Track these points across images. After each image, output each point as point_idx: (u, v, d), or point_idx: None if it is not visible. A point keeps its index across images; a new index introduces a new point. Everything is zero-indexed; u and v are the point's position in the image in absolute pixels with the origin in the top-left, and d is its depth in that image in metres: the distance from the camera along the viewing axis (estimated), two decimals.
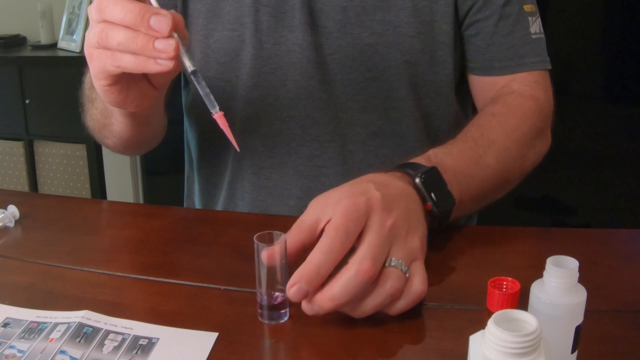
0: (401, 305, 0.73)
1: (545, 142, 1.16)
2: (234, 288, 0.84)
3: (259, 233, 0.73)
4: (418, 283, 0.74)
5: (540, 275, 0.62)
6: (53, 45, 3.42)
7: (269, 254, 0.73)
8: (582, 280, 0.61)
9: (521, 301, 0.72)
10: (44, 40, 3.45)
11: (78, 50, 3.20)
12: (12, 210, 1.05)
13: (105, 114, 1.06)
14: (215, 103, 0.79)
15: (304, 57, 1.14)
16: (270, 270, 0.74)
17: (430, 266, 0.80)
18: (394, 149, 1.18)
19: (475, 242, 0.96)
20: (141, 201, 3.21)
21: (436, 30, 1.14)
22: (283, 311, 0.76)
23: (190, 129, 1.33)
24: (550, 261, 0.61)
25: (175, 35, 0.75)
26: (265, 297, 0.75)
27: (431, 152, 0.95)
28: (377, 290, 0.71)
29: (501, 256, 0.91)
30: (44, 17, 3.41)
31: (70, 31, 3.32)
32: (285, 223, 0.79)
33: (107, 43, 0.76)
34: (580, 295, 0.61)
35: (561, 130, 2.57)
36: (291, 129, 1.17)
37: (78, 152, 3.26)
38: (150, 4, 0.78)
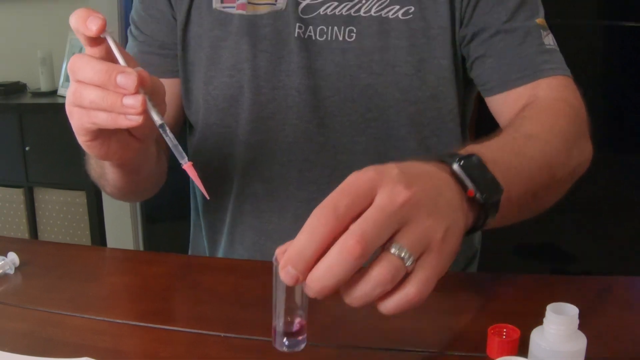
0: (389, 305, 0.62)
1: (587, 145, 1.08)
2: (234, 335, 0.83)
3: (279, 250, 0.66)
4: (414, 284, 0.62)
5: (540, 323, 0.62)
6: (53, 92, 3.44)
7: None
8: (582, 327, 0.61)
9: (521, 348, 0.72)
10: (44, 87, 3.47)
11: None
12: (12, 257, 1.05)
13: (99, 163, 1.08)
14: (184, 154, 0.82)
15: (302, 101, 1.15)
16: (289, 291, 0.68)
17: (429, 312, 0.80)
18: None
19: (475, 288, 0.96)
20: (141, 248, 3.21)
21: (435, 67, 1.15)
22: (300, 338, 0.71)
23: (191, 187, 1.33)
24: (550, 308, 0.61)
25: (142, 91, 0.77)
26: (281, 323, 0.69)
27: (467, 147, 0.83)
28: (365, 275, 0.61)
29: (501, 303, 0.91)
30: (44, 63, 3.43)
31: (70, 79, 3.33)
32: None
33: (81, 102, 0.79)
34: (580, 343, 0.61)
35: None
36: (290, 172, 1.18)
37: (78, 199, 3.26)
38: (118, 62, 0.81)
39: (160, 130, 0.81)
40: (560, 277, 1.04)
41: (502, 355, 0.74)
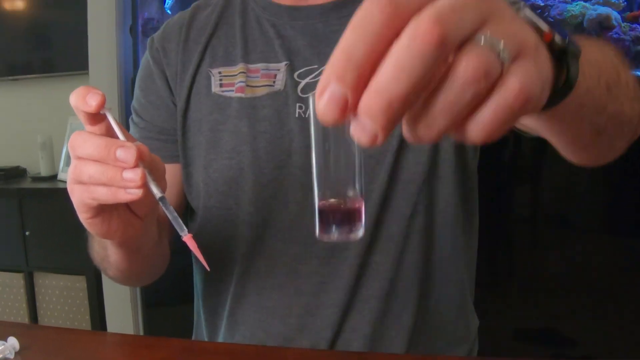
0: (486, 114, 0.46)
1: None
2: None
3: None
4: (517, 76, 0.46)
5: None
6: (53, 177, 3.47)
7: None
8: None
9: None
10: (44, 171, 3.50)
11: None
12: (12, 342, 1.05)
13: (102, 245, 1.09)
14: (184, 226, 0.83)
15: (306, 180, 1.16)
16: (336, 143, 0.51)
17: None
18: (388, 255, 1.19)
19: None
20: (141, 333, 3.18)
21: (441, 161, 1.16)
22: (355, 221, 0.54)
23: (195, 260, 1.34)
24: None
25: (142, 165, 0.79)
26: (328, 199, 0.53)
27: None
28: (449, 77, 0.45)
29: None
30: (44, 148, 3.47)
31: (70, 162, 3.35)
32: (285, 355, 0.79)
33: (81, 178, 0.81)
34: None
35: (561, 262, 2.57)
36: (292, 248, 1.18)
37: (78, 283, 3.25)
38: (117, 137, 0.83)
39: (160, 203, 0.83)
40: None
41: None
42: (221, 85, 1.22)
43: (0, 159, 3.69)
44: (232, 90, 1.21)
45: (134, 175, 0.78)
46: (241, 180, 1.19)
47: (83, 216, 0.87)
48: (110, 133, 0.83)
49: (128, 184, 0.79)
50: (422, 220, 1.17)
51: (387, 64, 0.43)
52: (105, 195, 0.80)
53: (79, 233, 1.14)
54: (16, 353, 1.05)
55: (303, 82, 1.18)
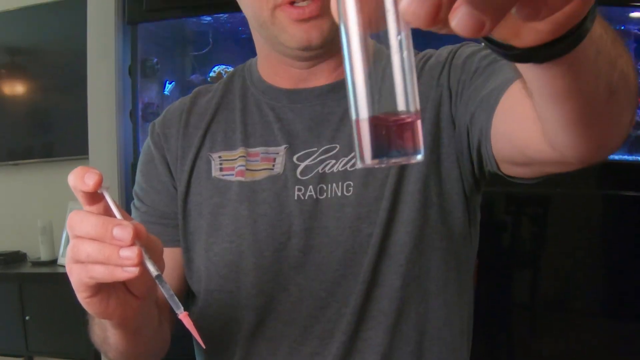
0: None
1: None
2: None
3: None
4: None
5: None
6: (53, 262, 3.48)
7: None
8: None
9: None
10: (44, 256, 3.51)
11: None
12: None
13: (101, 327, 1.09)
14: (180, 304, 0.84)
15: (307, 261, 1.16)
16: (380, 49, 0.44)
17: None
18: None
19: None
20: None
21: (449, 205, 1.17)
22: (416, 138, 0.45)
23: (196, 344, 1.33)
24: None
25: (138, 243, 0.80)
26: (377, 110, 0.44)
27: None
28: None
29: None
30: (44, 233, 3.48)
31: None
32: None
33: (78, 256, 0.82)
34: None
35: (559, 346, 2.56)
36: (293, 330, 1.18)
37: None
38: (114, 216, 0.84)
39: (157, 280, 0.84)
40: None
41: None
42: (221, 169, 1.24)
43: (0, 243, 3.69)
44: (232, 174, 1.22)
45: (130, 254, 0.79)
46: (242, 264, 1.19)
47: (81, 295, 0.87)
48: (108, 213, 0.84)
49: (125, 262, 0.79)
50: (414, 290, 1.17)
51: None
52: (102, 273, 0.81)
53: (80, 317, 1.15)
54: None
55: (302, 165, 1.20)
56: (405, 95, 0.42)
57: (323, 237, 1.16)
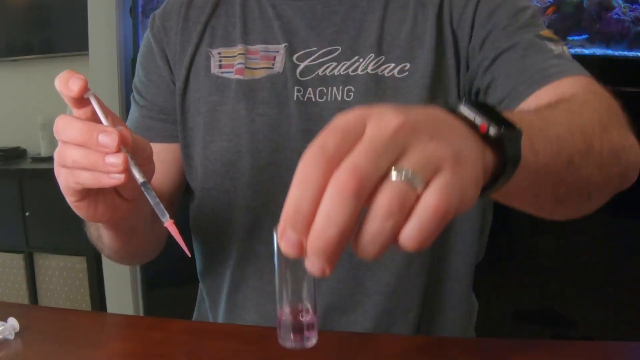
0: (412, 227, 0.52)
1: (629, 132, 0.94)
2: None
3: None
4: (432, 191, 0.52)
5: None
6: (53, 158, 3.45)
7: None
8: None
9: None
10: (44, 152, 3.51)
11: None
12: (12, 322, 1.05)
13: (95, 226, 1.09)
14: (165, 212, 0.83)
15: None
16: (295, 272, 0.63)
17: None
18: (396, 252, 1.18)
19: (474, 355, 0.95)
20: (141, 313, 3.19)
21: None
22: (308, 334, 0.65)
23: (194, 241, 1.34)
24: None
25: (124, 150, 0.80)
26: (287, 312, 0.64)
27: None
28: (370, 212, 0.53)
29: None
30: (44, 129, 3.47)
31: None
32: None
33: (65, 162, 0.82)
34: None
35: (561, 243, 2.58)
36: None
37: (78, 264, 3.26)
38: (101, 122, 0.83)
39: (142, 188, 0.84)
40: (560, 342, 1.04)
41: None
42: (220, 67, 1.21)
43: (0, 139, 3.69)
44: (232, 72, 1.20)
45: (116, 160, 0.79)
46: (239, 163, 1.19)
47: (69, 199, 0.88)
48: (95, 117, 0.83)
49: (110, 169, 0.79)
50: None
51: (319, 213, 0.52)
52: (88, 179, 0.81)
53: None
54: (16, 334, 1.04)
55: (302, 65, 1.18)
56: (311, 302, 0.63)
57: None
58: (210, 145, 1.20)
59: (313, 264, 0.53)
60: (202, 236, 1.30)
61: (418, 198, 0.52)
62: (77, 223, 1.17)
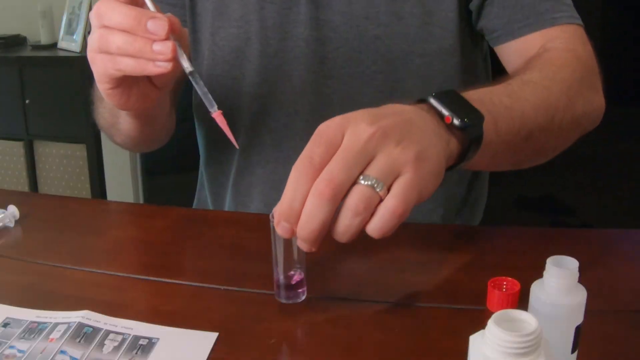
0: (375, 224, 0.67)
1: (596, 94, 1.05)
2: (234, 288, 0.84)
3: (275, 209, 0.70)
4: (392, 196, 0.67)
5: (540, 276, 0.62)
6: (53, 45, 3.43)
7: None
8: (582, 280, 0.61)
9: (521, 301, 0.72)
10: (44, 40, 3.46)
11: (78, 50, 3.20)
12: (12, 210, 1.05)
13: (113, 112, 1.07)
14: (214, 102, 0.81)
15: (310, 52, 1.14)
16: (287, 246, 0.74)
17: (430, 266, 0.80)
18: None
19: (475, 242, 0.96)
20: (141, 201, 3.21)
21: (442, 19, 1.13)
22: (300, 290, 0.78)
23: (198, 127, 1.33)
24: (550, 261, 0.61)
25: (172, 37, 0.76)
26: (282, 277, 0.77)
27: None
28: (341, 210, 0.67)
29: (501, 256, 0.91)
30: (44, 17, 3.42)
31: (70, 31, 3.32)
32: None
33: (107, 47, 0.78)
34: (580, 296, 0.61)
35: None
36: (296, 123, 1.17)
37: (78, 152, 3.26)
38: (147, 8, 0.80)
39: (190, 77, 0.81)
40: (560, 230, 1.04)
41: (502, 308, 0.74)
42: None
43: (0, 27, 3.63)
44: None
45: (164, 48, 0.76)
46: (247, 50, 1.16)
47: (103, 86, 0.84)
48: (134, 2, 0.80)
49: (158, 57, 0.76)
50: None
51: (304, 211, 0.66)
52: (131, 66, 0.78)
53: (79, 101, 1.13)
54: (16, 221, 1.05)
55: None
56: (301, 266, 0.78)
57: (328, 31, 1.14)
58: (219, 31, 1.18)
59: (302, 245, 0.69)
60: (207, 122, 1.29)
61: (381, 199, 0.67)
62: (77, 111, 1.16)
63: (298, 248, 0.71)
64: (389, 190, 0.67)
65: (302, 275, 0.77)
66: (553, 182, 2.52)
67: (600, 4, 2.58)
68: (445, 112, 0.76)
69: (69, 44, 3.29)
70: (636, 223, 2.41)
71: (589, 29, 1.11)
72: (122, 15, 0.76)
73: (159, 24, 0.75)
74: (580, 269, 0.61)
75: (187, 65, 0.80)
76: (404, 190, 0.67)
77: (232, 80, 1.18)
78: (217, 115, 0.80)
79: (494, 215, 1.22)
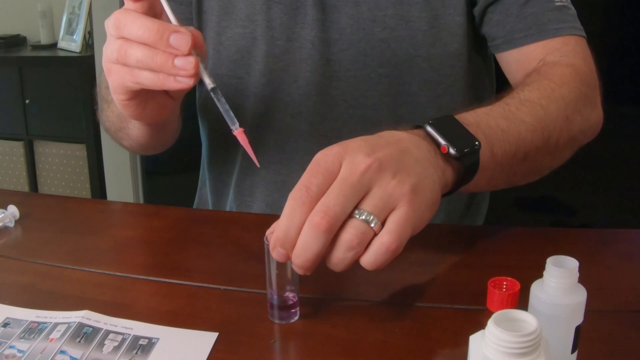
0: (369, 258, 0.68)
1: (594, 109, 1.05)
2: (234, 288, 0.84)
3: (269, 230, 0.72)
4: (386, 232, 0.67)
5: (540, 276, 0.62)
6: (53, 45, 3.43)
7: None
8: (582, 280, 0.61)
9: (521, 301, 0.72)
10: (44, 40, 3.46)
11: (78, 50, 3.20)
12: (12, 210, 1.05)
13: (121, 118, 1.07)
14: (235, 120, 0.80)
15: (316, 54, 1.14)
16: (281, 269, 0.73)
17: (430, 266, 0.80)
18: None
19: (475, 242, 0.96)
20: (141, 201, 3.21)
21: (449, 24, 1.13)
22: (293, 311, 0.77)
23: (202, 126, 1.33)
24: (550, 261, 0.61)
25: (194, 53, 0.75)
26: (276, 298, 0.76)
27: (452, 113, 0.86)
28: (336, 243, 0.68)
29: (501, 256, 0.91)
30: (44, 17, 3.42)
31: (70, 31, 3.32)
32: None
33: (125, 60, 0.76)
34: (580, 295, 0.61)
35: None
36: (300, 124, 1.17)
37: (78, 152, 3.26)
38: (169, 21, 0.78)
39: (212, 94, 0.79)
40: (560, 229, 1.04)
41: (502, 308, 0.74)
42: None
43: (0, 27, 3.63)
44: None
45: (187, 64, 0.74)
46: (253, 50, 1.16)
47: (119, 97, 0.83)
48: (152, 11, 0.79)
49: (179, 72, 0.75)
50: (437, 107, 1.18)
51: (299, 241, 0.67)
52: (150, 81, 0.77)
53: (79, 101, 1.12)
54: (16, 221, 1.05)
55: None
56: (294, 288, 0.76)
57: (334, 33, 1.14)
58: (226, 30, 1.17)
59: (297, 270, 0.70)
60: (210, 121, 1.29)
61: (375, 234, 0.68)
62: (77, 111, 1.16)
63: (292, 269, 0.72)
64: (383, 224, 0.68)
65: (296, 298, 0.76)
66: (553, 182, 2.52)
67: (601, 4, 2.57)
68: (441, 141, 0.77)
69: (69, 44, 3.28)
70: (636, 223, 2.41)
71: (589, 29, 1.11)
72: (143, 28, 0.74)
73: (182, 39, 0.74)
74: (580, 269, 0.61)
75: (208, 82, 0.79)
76: (398, 225, 0.68)
77: (237, 80, 1.18)
78: (238, 133, 0.80)
79: (494, 215, 1.22)
